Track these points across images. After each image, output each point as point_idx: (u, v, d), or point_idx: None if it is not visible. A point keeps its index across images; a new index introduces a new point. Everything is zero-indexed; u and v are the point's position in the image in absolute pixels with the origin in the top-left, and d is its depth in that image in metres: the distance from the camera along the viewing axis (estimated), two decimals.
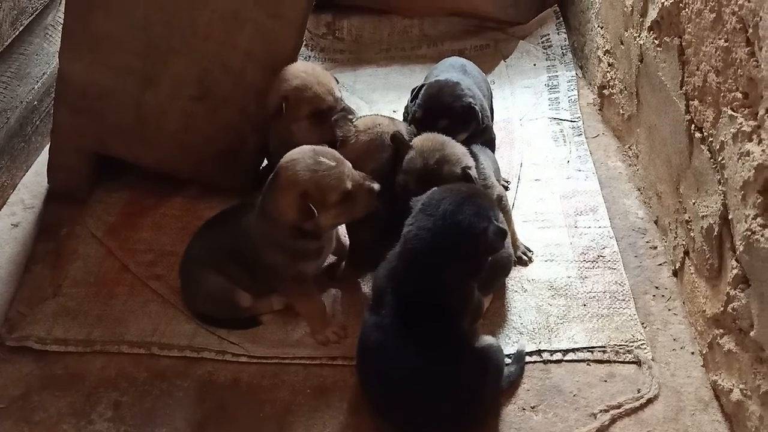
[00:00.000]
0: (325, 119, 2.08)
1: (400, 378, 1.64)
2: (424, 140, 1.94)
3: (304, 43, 3.31)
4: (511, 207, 2.26)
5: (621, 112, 2.58)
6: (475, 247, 1.62)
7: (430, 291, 1.65)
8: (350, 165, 1.84)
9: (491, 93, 2.67)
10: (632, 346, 1.90)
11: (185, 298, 2.09)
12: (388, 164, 1.95)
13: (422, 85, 2.26)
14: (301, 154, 1.81)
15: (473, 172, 1.88)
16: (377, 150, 1.97)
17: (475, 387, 1.68)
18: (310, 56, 3.35)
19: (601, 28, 2.76)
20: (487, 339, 1.77)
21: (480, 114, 2.18)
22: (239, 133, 2.37)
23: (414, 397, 1.64)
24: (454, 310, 1.67)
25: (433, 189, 1.70)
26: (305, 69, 2.18)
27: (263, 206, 1.87)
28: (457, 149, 1.93)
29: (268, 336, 2.01)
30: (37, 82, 2.67)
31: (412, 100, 2.30)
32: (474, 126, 2.18)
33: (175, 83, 2.29)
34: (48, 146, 2.48)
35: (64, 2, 2.25)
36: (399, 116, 2.79)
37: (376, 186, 1.84)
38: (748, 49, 1.49)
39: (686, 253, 1.97)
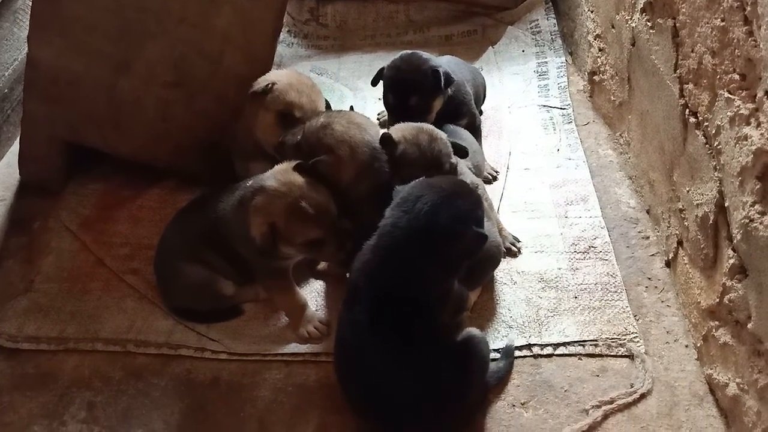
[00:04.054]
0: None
1: (377, 376, 1.57)
2: (404, 130, 1.92)
3: (287, 30, 3.25)
4: (491, 196, 2.18)
5: (612, 98, 2.52)
6: (452, 251, 1.57)
7: (404, 287, 1.58)
8: (334, 213, 1.81)
9: (484, 81, 2.65)
10: (625, 339, 1.85)
11: (163, 292, 2.02)
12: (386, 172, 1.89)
13: (381, 69, 2.21)
14: (289, 187, 1.79)
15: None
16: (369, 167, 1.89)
17: (458, 382, 1.61)
18: (293, 43, 3.27)
19: (592, 12, 2.70)
20: (470, 330, 1.70)
21: (443, 75, 2.15)
22: (218, 121, 2.29)
23: (392, 395, 1.57)
24: (431, 305, 1.60)
25: (414, 182, 1.64)
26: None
27: (240, 206, 1.85)
28: (430, 126, 1.95)
29: (248, 332, 1.95)
30: (8, 68, 2.58)
31: (374, 83, 2.27)
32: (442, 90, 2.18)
33: (150, 69, 2.21)
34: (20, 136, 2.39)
35: None
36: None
37: (348, 244, 1.82)
38: (745, 28, 1.43)
39: (680, 242, 1.92)
